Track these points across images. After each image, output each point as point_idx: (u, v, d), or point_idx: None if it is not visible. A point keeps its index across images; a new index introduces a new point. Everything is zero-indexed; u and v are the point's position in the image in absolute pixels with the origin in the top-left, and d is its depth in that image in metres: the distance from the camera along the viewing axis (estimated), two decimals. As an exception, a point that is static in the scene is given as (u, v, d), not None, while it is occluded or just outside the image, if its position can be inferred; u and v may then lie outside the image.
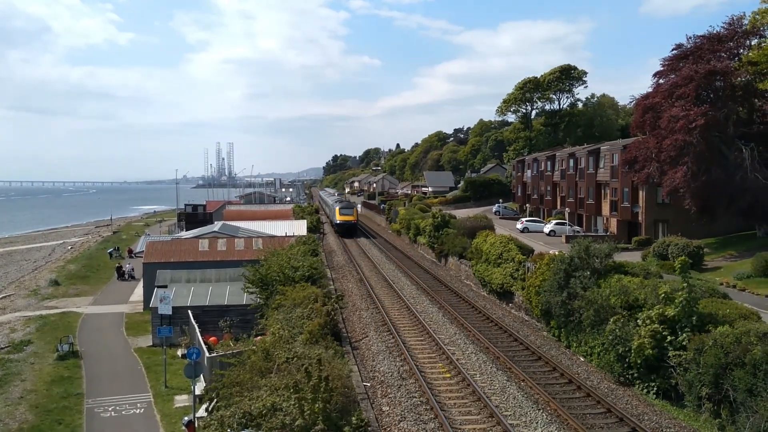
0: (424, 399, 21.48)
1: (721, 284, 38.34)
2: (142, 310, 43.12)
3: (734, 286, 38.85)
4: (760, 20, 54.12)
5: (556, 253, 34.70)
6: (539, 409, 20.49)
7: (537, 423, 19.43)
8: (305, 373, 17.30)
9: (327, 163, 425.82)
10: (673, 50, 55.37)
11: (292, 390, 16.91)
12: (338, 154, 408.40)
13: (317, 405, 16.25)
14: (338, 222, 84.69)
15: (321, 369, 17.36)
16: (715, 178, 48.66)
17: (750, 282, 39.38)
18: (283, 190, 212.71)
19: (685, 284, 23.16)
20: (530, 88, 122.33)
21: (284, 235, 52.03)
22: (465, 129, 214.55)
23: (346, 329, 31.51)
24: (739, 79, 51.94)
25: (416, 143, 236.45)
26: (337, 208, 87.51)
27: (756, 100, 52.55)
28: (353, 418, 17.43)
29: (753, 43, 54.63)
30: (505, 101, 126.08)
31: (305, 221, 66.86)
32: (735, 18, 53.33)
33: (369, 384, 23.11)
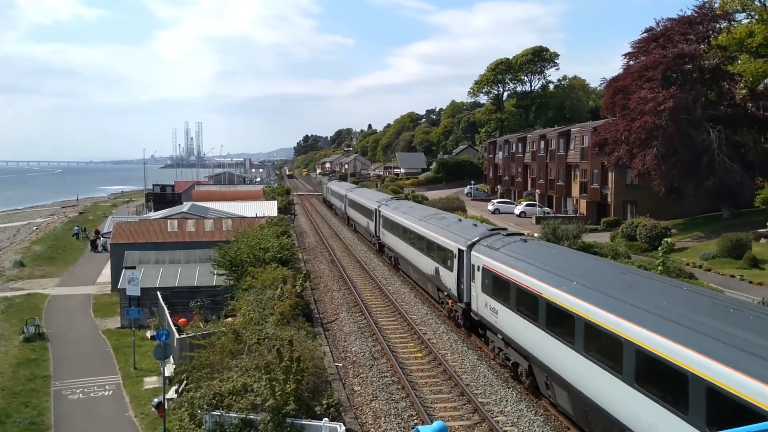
0: (395, 378, 21.53)
1: (688, 264, 39.05)
2: (110, 292, 42.56)
3: (700, 267, 39.59)
4: (729, 4, 54.67)
5: (527, 233, 34.88)
6: (509, 388, 20.66)
7: (507, 401, 19.59)
8: (276, 354, 17.20)
9: (298, 143, 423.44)
10: (643, 33, 55.81)
11: (263, 371, 16.83)
12: (309, 135, 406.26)
13: (289, 385, 16.18)
14: None
15: (292, 350, 17.26)
16: (683, 160, 49.36)
17: (715, 262, 40.15)
18: (253, 170, 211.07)
19: (661, 267, 23.57)
20: (502, 70, 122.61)
21: (254, 215, 51.61)
22: (437, 110, 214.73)
23: (318, 310, 31.42)
24: (707, 62, 52.53)
25: (388, 124, 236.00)
26: None
27: (724, 83, 53.26)
28: (324, 399, 17.42)
29: (722, 26, 55.20)
30: (477, 83, 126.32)
31: (276, 202, 66.43)
32: (705, 2, 53.76)
33: (341, 364, 23.09)
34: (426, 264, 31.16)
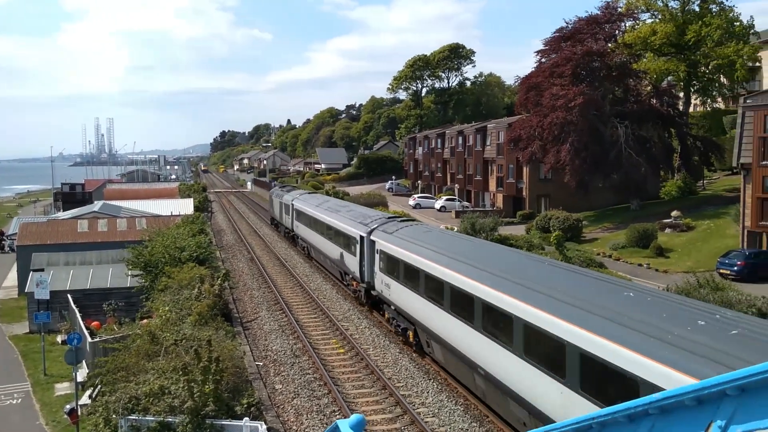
0: (317, 375, 21.49)
1: (598, 254, 40.60)
2: (17, 296, 40.66)
3: (610, 256, 41.24)
4: (634, 3, 57.02)
5: (446, 227, 35.46)
6: (430, 379, 20.97)
7: (428, 392, 19.89)
8: (194, 354, 16.92)
9: (214, 139, 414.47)
10: (554, 32, 57.57)
11: (180, 372, 16.50)
12: (226, 130, 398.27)
13: (207, 386, 15.94)
14: None
15: (211, 350, 17.01)
16: (593, 154, 51.24)
17: (624, 252, 41.90)
18: (168, 167, 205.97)
19: (561, 256, 24.36)
20: (420, 66, 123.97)
21: (170, 214, 50.42)
22: (357, 105, 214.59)
23: (237, 309, 30.98)
24: (615, 59, 54.66)
25: (308, 119, 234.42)
26: None
27: (630, 80, 55.53)
28: (245, 398, 17.26)
29: (627, 25, 57.56)
30: (395, 79, 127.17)
31: (192, 199, 65.11)
32: (611, 1, 55.92)
33: (261, 363, 22.86)
34: None
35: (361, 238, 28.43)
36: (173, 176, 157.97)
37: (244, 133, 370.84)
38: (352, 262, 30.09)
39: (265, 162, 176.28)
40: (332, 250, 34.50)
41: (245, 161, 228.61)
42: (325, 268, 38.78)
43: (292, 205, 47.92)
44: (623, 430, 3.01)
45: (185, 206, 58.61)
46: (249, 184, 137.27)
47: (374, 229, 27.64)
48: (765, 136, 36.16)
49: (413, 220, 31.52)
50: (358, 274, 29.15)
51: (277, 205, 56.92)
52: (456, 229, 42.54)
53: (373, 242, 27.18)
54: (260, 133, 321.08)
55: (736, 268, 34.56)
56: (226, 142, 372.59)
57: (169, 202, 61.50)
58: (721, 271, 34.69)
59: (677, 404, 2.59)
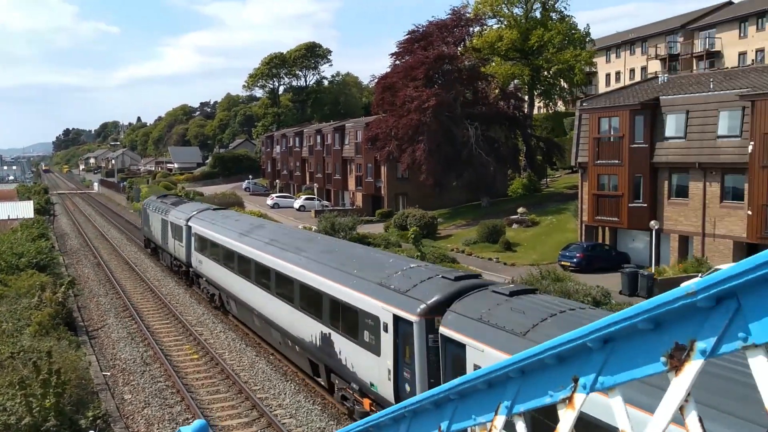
0: (170, 383, 20.77)
1: (452, 250, 42.20)
2: None
3: (463, 251, 42.97)
4: (481, 9, 59.73)
5: (305, 227, 35.46)
6: (287, 381, 20.89)
7: (285, 394, 19.81)
8: (33, 367, 15.90)
9: (57, 137, 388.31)
10: (406, 35, 59.13)
11: (17, 387, 15.45)
12: (71, 128, 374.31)
13: (48, 400, 15.01)
14: None
15: (51, 362, 16.06)
16: (446, 154, 53.15)
17: (476, 247, 43.80)
18: (6, 168, 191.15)
19: (418, 253, 25.13)
20: (277, 64, 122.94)
21: (7, 218, 46.87)
22: (212, 103, 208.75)
23: (82, 317, 29.26)
24: (465, 63, 57.00)
25: (160, 117, 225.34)
26: None
27: (480, 83, 58.09)
28: (90, 411, 16.43)
29: (476, 30, 60.20)
30: (251, 76, 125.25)
31: (32, 202, 60.83)
32: (459, 7, 58.27)
33: (109, 373, 21.76)
34: None
35: (408, 327, 13.87)
36: (11, 177, 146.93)
37: (90, 131, 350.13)
38: (366, 365, 15.61)
39: (113, 161, 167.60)
40: (298, 324, 19.76)
41: (92, 161, 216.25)
42: (261, 337, 24.73)
43: (189, 227, 33.07)
44: (432, 415, 3.21)
45: (24, 209, 54.70)
46: (96, 185, 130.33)
47: (433, 305, 13.59)
48: (599, 137, 38.96)
49: (534, 290, 14.44)
50: (388, 396, 14.50)
51: (156, 222, 40.77)
52: (314, 228, 42.62)
53: (461, 347, 12.45)
54: (108, 131, 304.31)
55: (575, 260, 37.04)
56: (71, 140, 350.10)
57: (6, 205, 57.07)
58: (562, 263, 37.06)
59: (472, 389, 2.81)
